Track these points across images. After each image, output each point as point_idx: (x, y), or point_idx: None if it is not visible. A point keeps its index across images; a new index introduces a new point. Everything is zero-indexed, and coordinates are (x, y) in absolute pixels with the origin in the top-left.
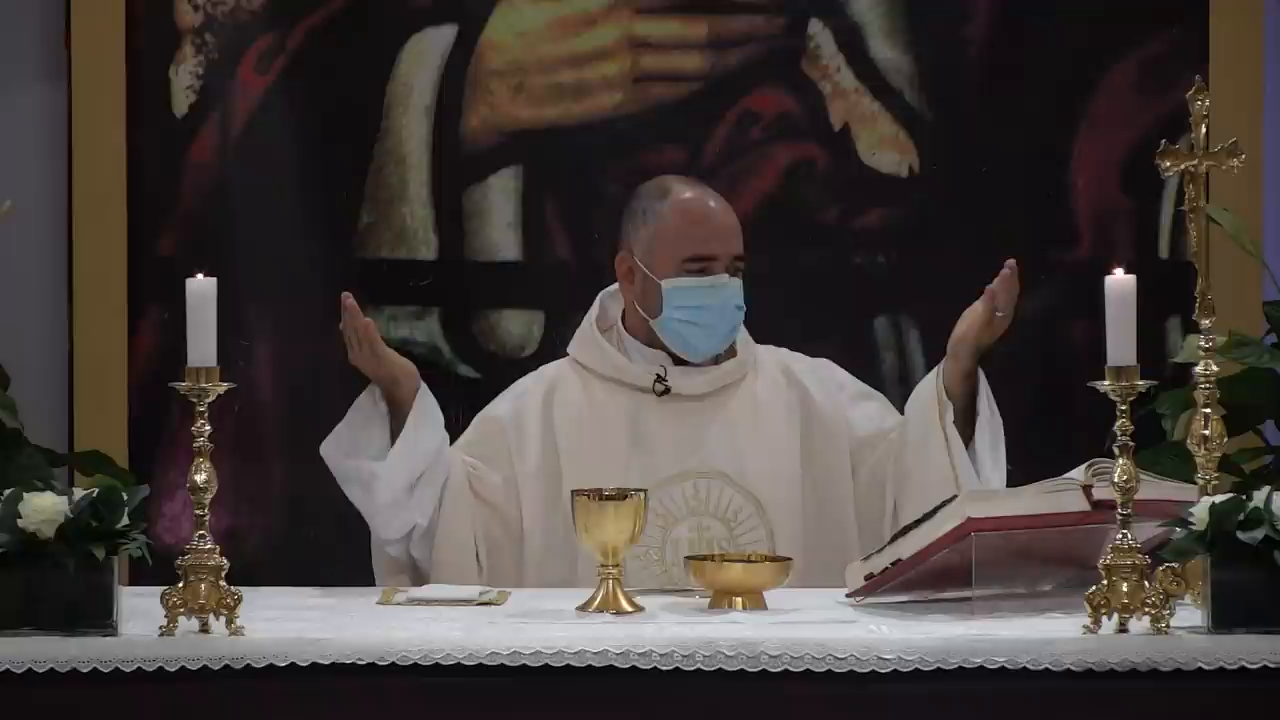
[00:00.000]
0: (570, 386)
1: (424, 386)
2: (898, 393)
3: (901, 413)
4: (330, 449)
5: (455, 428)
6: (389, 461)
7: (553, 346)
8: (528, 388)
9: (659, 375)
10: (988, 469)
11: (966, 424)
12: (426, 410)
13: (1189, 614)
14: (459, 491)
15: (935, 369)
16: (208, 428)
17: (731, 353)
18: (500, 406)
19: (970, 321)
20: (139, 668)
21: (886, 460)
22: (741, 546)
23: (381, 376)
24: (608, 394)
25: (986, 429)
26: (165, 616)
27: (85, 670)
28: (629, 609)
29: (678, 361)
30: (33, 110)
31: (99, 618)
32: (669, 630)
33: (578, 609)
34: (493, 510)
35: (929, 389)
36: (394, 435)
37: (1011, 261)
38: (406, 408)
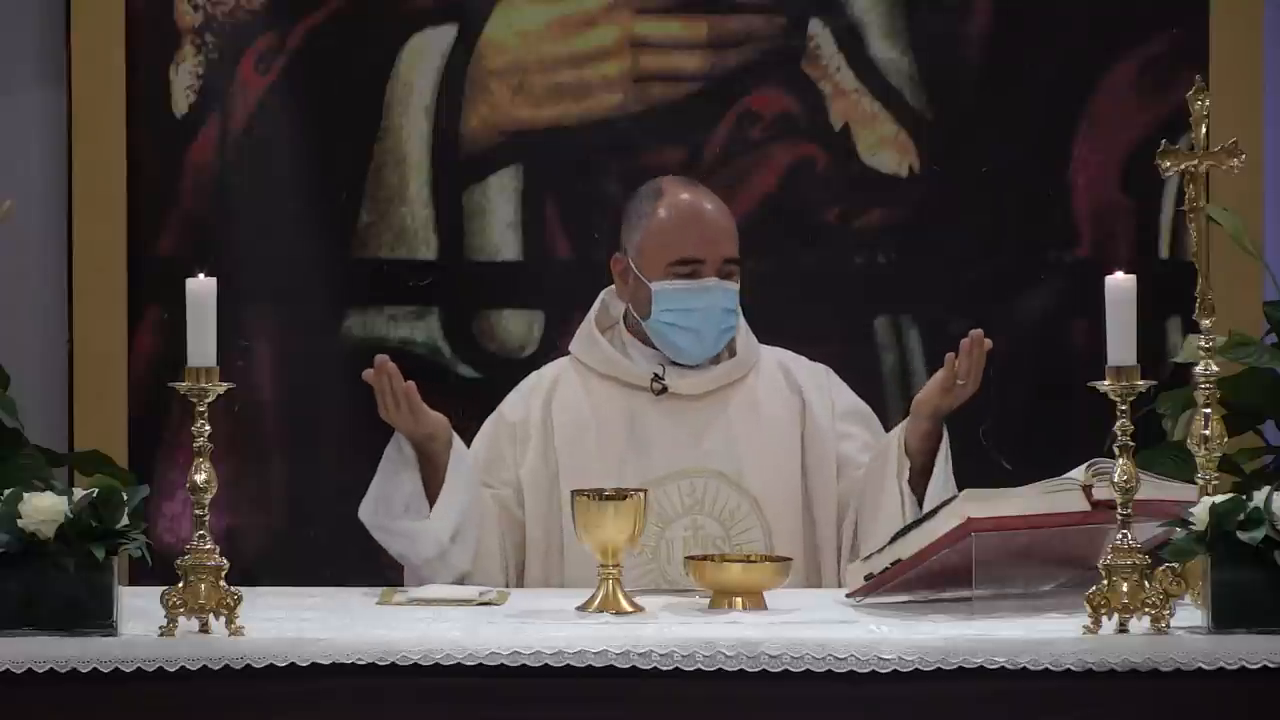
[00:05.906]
0: (570, 385)
1: (456, 438)
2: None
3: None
4: (368, 513)
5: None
6: (431, 521)
7: (553, 346)
8: (531, 387)
9: (656, 375)
10: None
11: (920, 482)
12: (460, 464)
13: (1189, 614)
14: (491, 529)
15: (902, 424)
16: (208, 428)
17: (731, 353)
18: (507, 406)
19: (931, 386)
20: (139, 668)
21: (850, 494)
22: (738, 546)
23: (417, 435)
24: (606, 393)
25: (937, 495)
26: (165, 616)
27: (85, 670)
28: (629, 609)
29: (674, 361)
30: (33, 110)
31: (99, 618)
32: (669, 630)
33: (578, 609)
34: (513, 519)
35: (892, 443)
36: (426, 483)
37: (977, 331)
38: (440, 460)
